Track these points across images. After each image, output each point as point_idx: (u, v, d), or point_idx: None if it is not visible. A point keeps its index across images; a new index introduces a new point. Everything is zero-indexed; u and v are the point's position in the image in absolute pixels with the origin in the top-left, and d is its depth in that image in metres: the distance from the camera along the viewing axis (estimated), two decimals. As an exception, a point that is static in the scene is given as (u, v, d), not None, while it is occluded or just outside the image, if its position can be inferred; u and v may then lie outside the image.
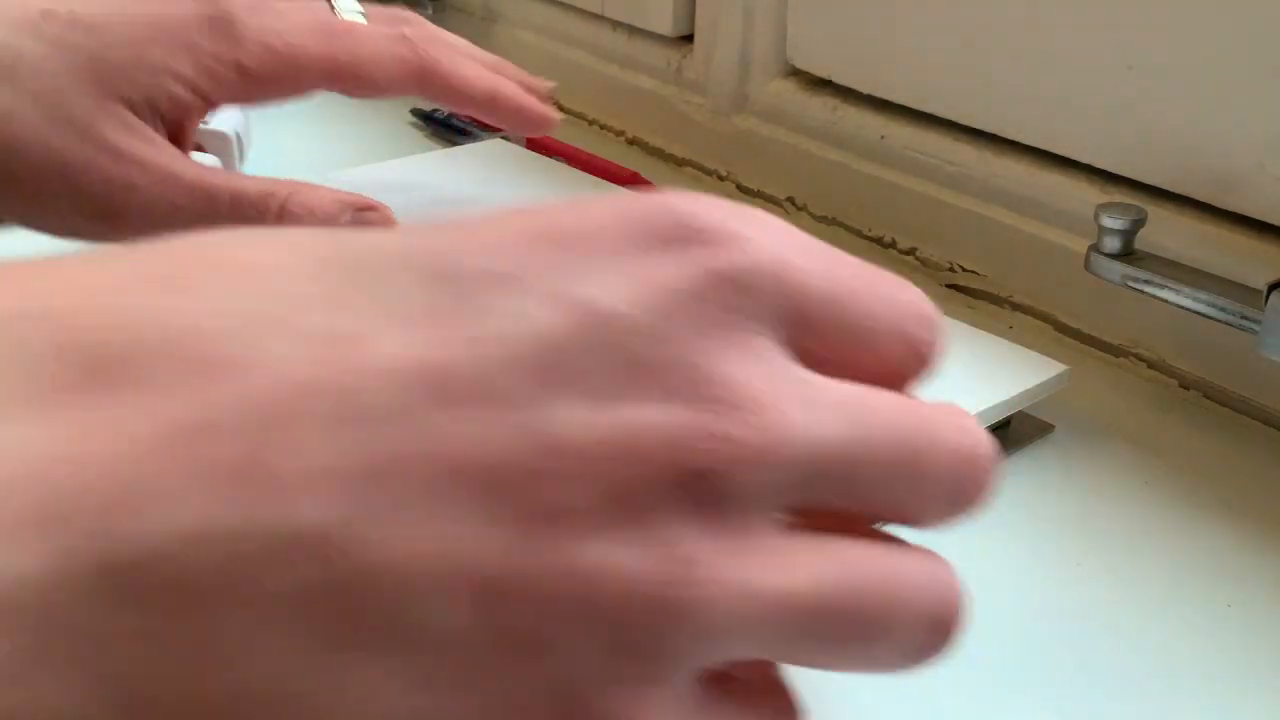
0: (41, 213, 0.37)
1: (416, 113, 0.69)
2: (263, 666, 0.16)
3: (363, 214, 0.39)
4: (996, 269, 0.49)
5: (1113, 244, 0.41)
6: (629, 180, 0.58)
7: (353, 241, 0.18)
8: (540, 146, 0.62)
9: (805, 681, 0.30)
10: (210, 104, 0.39)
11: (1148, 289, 0.40)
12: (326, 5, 0.44)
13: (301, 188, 0.39)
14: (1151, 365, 0.45)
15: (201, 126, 0.58)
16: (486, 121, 0.46)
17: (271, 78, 0.39)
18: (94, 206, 0.36)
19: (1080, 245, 0.44)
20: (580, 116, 0.70)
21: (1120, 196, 0.44)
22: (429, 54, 0.42)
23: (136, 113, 0.37)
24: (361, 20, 0.44)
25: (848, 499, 0.19)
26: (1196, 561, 0.35)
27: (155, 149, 0.37)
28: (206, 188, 0.37)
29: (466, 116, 0.67)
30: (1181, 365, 0.44)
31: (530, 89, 0.47)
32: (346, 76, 0.40)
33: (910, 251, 0.52)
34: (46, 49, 0.36)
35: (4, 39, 0.35)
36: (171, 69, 0.37)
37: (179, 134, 0.39)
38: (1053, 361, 0.40)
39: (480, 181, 0.54)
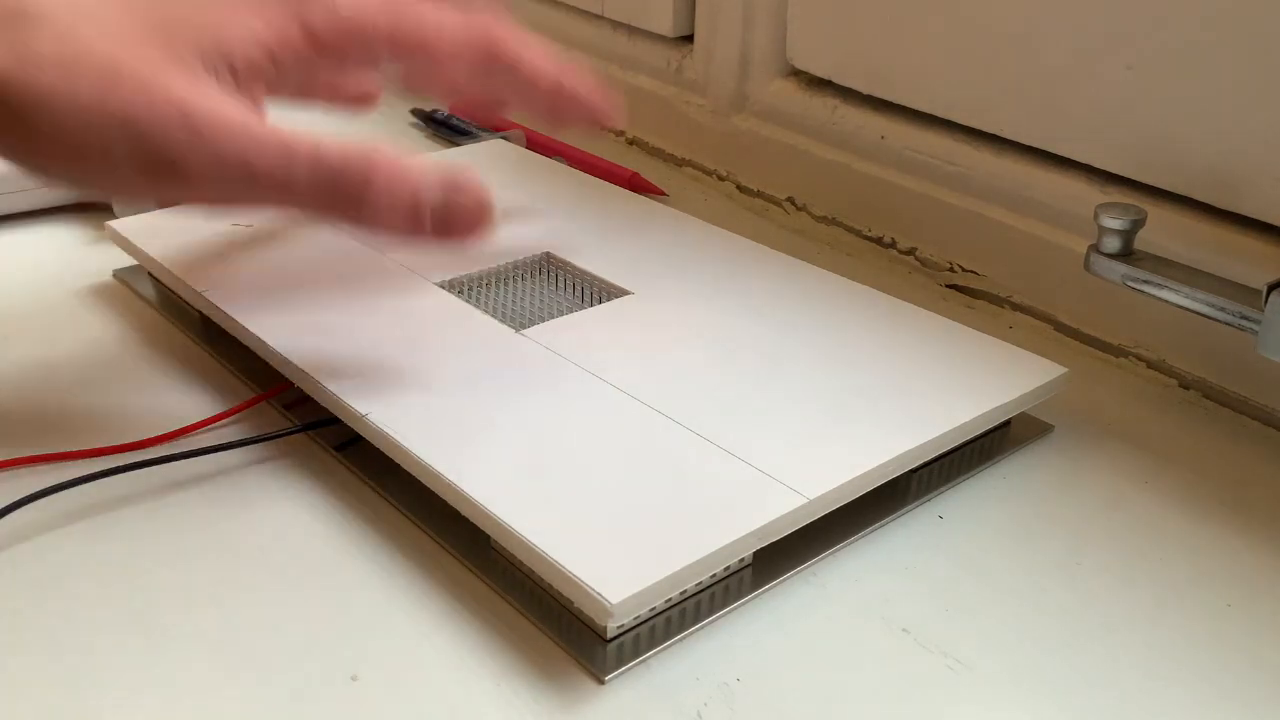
0: (100, 170, 0.35)
1: (417, 113, 0.69)
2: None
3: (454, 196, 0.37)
4: (996, 269, 0.49)
5: (1113, 244, 0.41)
6: (629, 180, 0.58)
7: None
8: (540, 146, 0.62)
9: (811, 698, 0.30)
10: (279, 69, 0.37)
11: (1148, 289, 0.40)
12: None
13: (386, 159, 0.36)
14: (1151, 365, 0.45)
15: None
16: (548, 112, 0.44)
17: (336, 45, 0.37)
18: (159, 163, 0.33)
19: (1080, 245, 0.44)
20: (580, 116, 0.70)
21: (1120, 196, 0.44)
22: (497, 33, 0.41)
23: (207, 67, 0.35)
24: None
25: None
26: (1196, 561, 0.35)
27: (228, 104, 0.34)
28: (284, 145, 0.34)
29: (468, 116, 0.67)
30: (1181, 365, 0.44)
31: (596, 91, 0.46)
32: (413, 48, 0.38)
33: (910, 251, 0.52)
34: None
35: None
36: (242, 21, 0.36)
37: (252, 100, 0.37)
38: (1053, 363, 0.40)
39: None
